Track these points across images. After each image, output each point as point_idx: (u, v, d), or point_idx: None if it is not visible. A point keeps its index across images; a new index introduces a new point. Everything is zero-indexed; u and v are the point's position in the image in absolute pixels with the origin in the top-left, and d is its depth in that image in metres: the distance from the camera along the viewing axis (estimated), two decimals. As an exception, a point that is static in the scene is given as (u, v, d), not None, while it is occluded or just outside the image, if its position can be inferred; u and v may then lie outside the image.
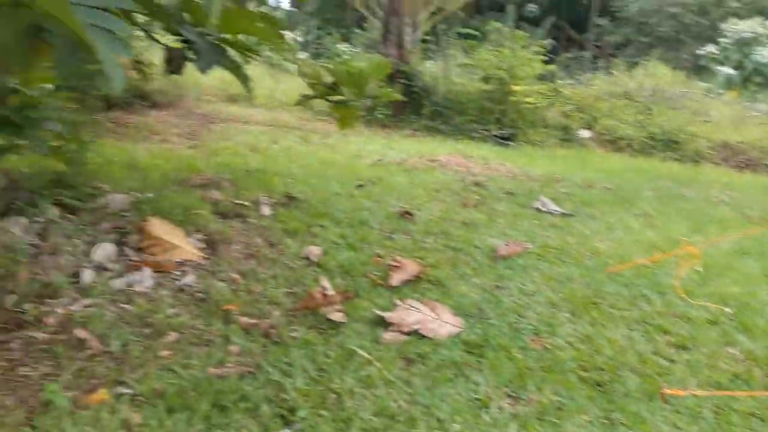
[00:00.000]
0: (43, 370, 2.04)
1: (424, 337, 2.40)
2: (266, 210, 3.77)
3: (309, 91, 3.90)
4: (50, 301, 2.44)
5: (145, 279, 2.72)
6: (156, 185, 4.01)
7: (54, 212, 3.17)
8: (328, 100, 3.80)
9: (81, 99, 6.00)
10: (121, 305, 2.49)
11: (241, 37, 2.98)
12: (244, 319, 2.44)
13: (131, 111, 7.23)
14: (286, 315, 2.52)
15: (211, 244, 3.17)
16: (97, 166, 4.09)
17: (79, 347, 2.17)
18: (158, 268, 2.84)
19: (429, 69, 11.07)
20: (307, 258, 3.09)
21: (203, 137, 6.51)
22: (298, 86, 11.50)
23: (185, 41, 2.58)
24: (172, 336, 2.30)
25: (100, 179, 3.97)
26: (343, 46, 17.98)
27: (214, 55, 2.49)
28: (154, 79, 7.96)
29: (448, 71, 10.81)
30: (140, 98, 7.54)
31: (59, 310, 2.39)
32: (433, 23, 11.56)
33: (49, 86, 3.94)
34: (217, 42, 2.61)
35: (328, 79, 3.80)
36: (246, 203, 3.85)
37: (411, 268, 2.96)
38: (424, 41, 11.46)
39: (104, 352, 2.16)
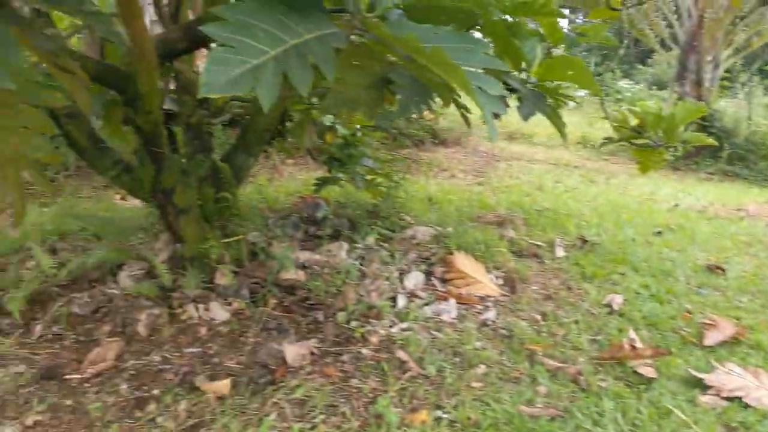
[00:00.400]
0: (371, 385, 2.26)
1: (747, 406, 2.21)
2: (560, 252, 3.77)
3: (591, 131, 3.84)
4: (373, 321, 2.72)
5: (451, 309, 2.88)
6: (453, 220, 4.24)
7: (371, 240, 3.52)
8: (632, 144, 3.70)
9: (388, 138, 6.62)
10: (432, 332, 2.68)
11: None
12: (550, 362, 2.46)
13: (422, 148, 7.74)
14: (592, 362, 2.49)
15: (509, 282, 3.26)
16: (402, 200, 4.44)
17: (401, 368, 2.37)
18: (461, 301, 3.00)
19: (728, 109, 10.19)
20: (609, 306, 3.02)
21: (489, 174, 6.72)
22: (577, 123, 11.37)
23: (508, 89, 2.72)
24: (482, 369, 2.40)
25: (405, 212, 4.31)
26: (624, 83, 17.36)
27: (536, 101, 2.59)
28: (444, 118, 8.45)
29: (751, 111, 9.84)
30: (431, 136, 8.04)
31: (381, 331, 2.64)
32: (736, 60, 10.64)
33: (356, 126, 4.41)
34: (537, 89, 2.72)
35: (634, 121, 3.72)
36: (540, 243, 3.90)
37: (727, 328, 2.73)
38: (723, 79, 10.59)
39: (421, 375, 2.33)
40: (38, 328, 2.54)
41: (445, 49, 1.31)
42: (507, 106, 2.83)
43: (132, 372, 2.28)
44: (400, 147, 7.50)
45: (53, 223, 3.85)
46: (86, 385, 2.21)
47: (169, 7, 2.91)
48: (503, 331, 2.73)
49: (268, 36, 1.35)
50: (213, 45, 3.34)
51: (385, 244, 3.55)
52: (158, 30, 3.01)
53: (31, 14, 2.37)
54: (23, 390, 2.17)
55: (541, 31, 2.99)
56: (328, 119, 4.38)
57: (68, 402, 2.10)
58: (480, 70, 1.43)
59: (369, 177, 4.25)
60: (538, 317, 2.88)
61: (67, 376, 2.25)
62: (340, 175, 4.22)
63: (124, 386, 2.19)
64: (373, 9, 1.55)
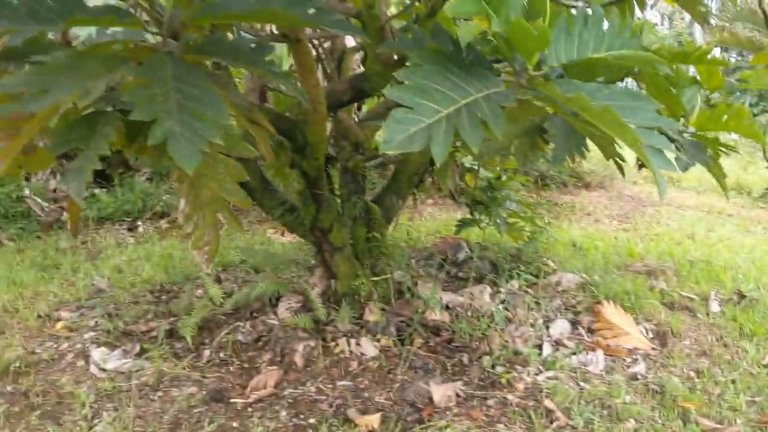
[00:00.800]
0: (518, 432, 2.28)
1: None
2: (715, 306, 3.58)
3: (745, 176, 3.62)
4: (518, 367, 2.73)
5: (598, 360, 2.83)
6: (599, 267, 4.15)
7: (515, 285, 3.54)
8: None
9: (530, 181, 6.60)
10: (579, 383, 2.64)
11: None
12: (705, 422, 2.35)
13: (565, 191, 7.62)
14: (750, 425, 2.36)
15: (659, 335, 3.14)
16: (545, 245, 4.41)
17: (548, 416, 2.36)
18: (609, 352, 2.93)
19: None
20: (772, 366, 2.84)
21: (636, 220, 6.49)
22: (730, 169, 10.69)
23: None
24: (631, 423, 2.34)
25: (548, 257, 4.28)
26: (785, 124, 16.20)
27: (695, 153, 2.53)
28: (587, 161, 8.27)
29: None
30: (574, 179, 7.89)
31: (527, 378, 2.65)
32: None
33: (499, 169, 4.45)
34: (696, 139, 2.65)
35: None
36: (692, 296, 3.72)
37: None
38: None
39: (569, 426, 2.32)
40: (207, 353, 2.78)
41: (613, 107, 1.36)
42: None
43: (290, 400, 2.44)
44: (542, 189, 7.44)
45: (217, 254, 4.17)
46: (249, 409, 2.39)
47: (332, 62, 3.14)
48: (654, 386, 2.64)
49: (442, 96, 1.46)
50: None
51: (530, 290, 3.55)
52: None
53: (213, 68, 2.65)
54: (195, 410, 2.39)
55: (698, 77, 2.93)
56: (468, 161, 4.47)
57: (234, 424, 2.29)
58: (648, 128, 1.46)
59: (511, 220, 4.26)
60: (692, 374, 2.76)
61: (233, 400, 2.45)
62: (482, 217, 4.27)
63: (283, 413, 2.35)
64: (539, 67, 1.61)
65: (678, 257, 4.57)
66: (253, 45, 1.70)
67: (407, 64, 2.21)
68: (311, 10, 1.60)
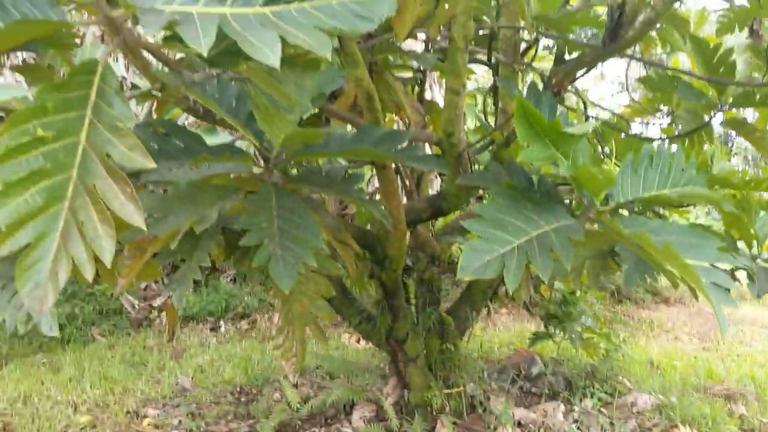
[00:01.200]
0: None
1: None
2: (803, 436, 3.43)
3: None
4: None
5: (675, 488, 2.76)
6: (676, 389, 4.05)
7: (589, 403, 3.50)
8: None
9: (608, 295, 6.56)
10: None
11: None
12: None
13: (642, 306, 7.48)
14: None
15: (741, 464, 3.04)
16: (621, 362, 4.35)
17: None
18: (687, 480, 2.86)
19: None
20: None
21: (716, 339, 6.29)
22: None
23: (736, 267, 2.71)
24: None
25: (624, 375, 4.22)
26: None
27: (768, 279, 2.56)
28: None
29: None
30: (652, 294, 7.75)
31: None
32: None
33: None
34: (769, 265, 2.67)
35: None
36: (776, 423, 3.59)
37: None
38: None
39: None
40: (283, 457, 2.87)
41: (674, 243, 1.46)
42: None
43: None
44: (619, 304, 7.35)
45: (294, 358, 4.32)
46: None
47: (412, 179, 3.36)
48: None
49: (515, 228, 1.60)
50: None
51: (604, 410, 3.50)
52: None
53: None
54: None
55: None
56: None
57: None
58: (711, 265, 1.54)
59: (586, 335, 4.25)
60: None
61: (306, 506, 2.51)
62: (557, 331, 4.27)
63: None
64: (606, 202, 1.74)
65: (760, 380, 4.40)
66: (344, 175, 1.91)
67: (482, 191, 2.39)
68: (398, 146, 1.80)
